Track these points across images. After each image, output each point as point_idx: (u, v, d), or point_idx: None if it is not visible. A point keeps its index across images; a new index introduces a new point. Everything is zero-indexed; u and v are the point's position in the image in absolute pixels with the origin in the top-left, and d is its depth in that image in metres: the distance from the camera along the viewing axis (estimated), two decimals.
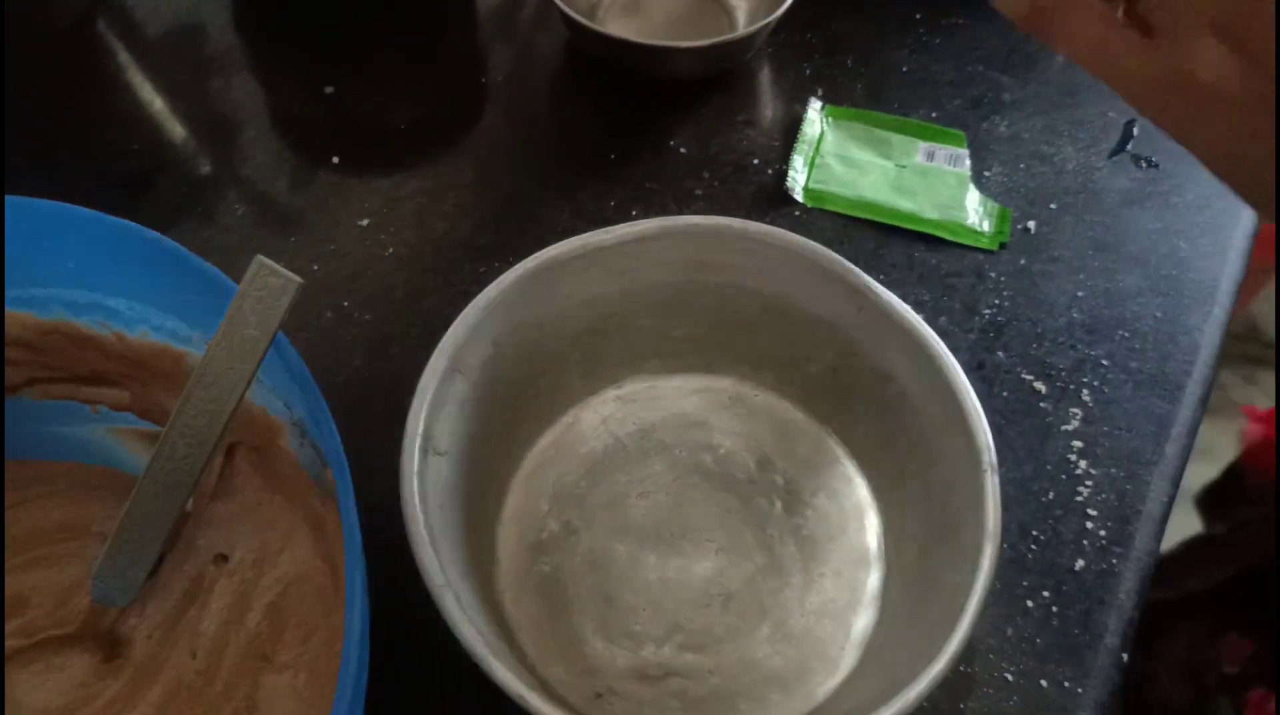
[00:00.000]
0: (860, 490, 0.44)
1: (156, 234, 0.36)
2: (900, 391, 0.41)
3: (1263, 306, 1.24)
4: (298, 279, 0.32)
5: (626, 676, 0.40)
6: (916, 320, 0.39)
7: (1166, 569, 0.54)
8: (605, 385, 0.46)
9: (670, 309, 0.44)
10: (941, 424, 0.39)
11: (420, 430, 0.36)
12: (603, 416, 0.46)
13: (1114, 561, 0.43)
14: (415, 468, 0.36)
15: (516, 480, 0.44)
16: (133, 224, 0.36)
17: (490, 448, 0.42)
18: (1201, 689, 0.47)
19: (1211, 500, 0.80)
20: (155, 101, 0.59)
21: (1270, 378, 1.16)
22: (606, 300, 0.43)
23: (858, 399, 0.43)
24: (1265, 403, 1.05)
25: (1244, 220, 0.54)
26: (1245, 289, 0.53)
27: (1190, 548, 0.54)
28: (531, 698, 0.32)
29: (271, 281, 0.32)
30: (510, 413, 0.43)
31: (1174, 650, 0.49)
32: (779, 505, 0.44)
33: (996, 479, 0.36)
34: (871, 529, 0.43)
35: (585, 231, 0.41)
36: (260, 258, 0.32)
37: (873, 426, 0.43)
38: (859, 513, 0.44)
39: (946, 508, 0.39)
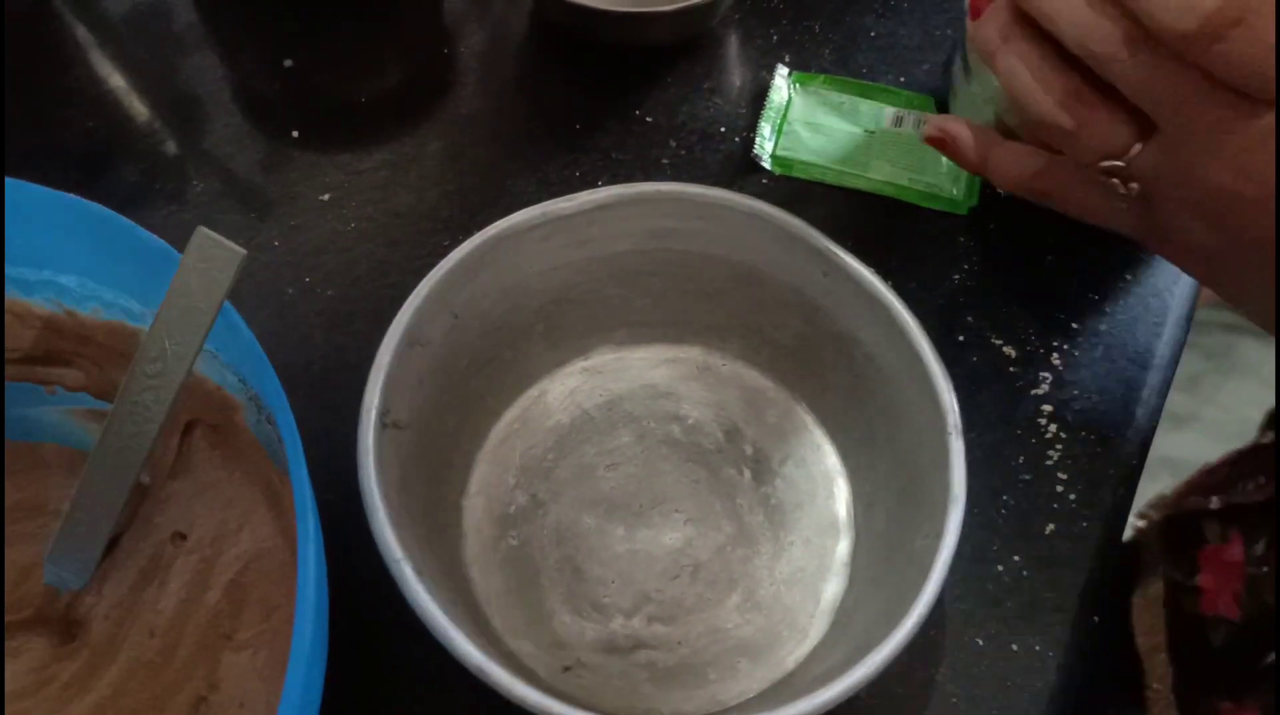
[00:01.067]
0: (829, 458, 0.44)
1: (107, 209, 0.35)
2: (867, 356, 0.41)
3: None
4: (241, 250, 0.32)
5: (595, 649, 0.40)
6: (880, 284, 0.39)
7: (1215, 479, 0.53)
8: (572, 357, 0.46)
9: (635, 278, 0.44)
10: (907, 388, 0.39)
11: (377, 402, 0.36)
12: (569, 388, 0.45)
13: (1084, 525, 0.43)
14: (371, 441, 0.35)
15: (483, 453, 0.44)
16: (82, 199, 0.35)
17: (455, 421, 0.42)
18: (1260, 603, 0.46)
19: None
20: (114, 79, 0.58)
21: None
22: (570, 269, 0.43)
23: (825, 366, 0.43)
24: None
25: None
26: None
27: (1241, 457, 0.53)
28: (491, 669, 0.31)
29: (215, 253, 0.31)
30: (474, 385, 0.42)
31: (1228, 558, 0.48)
32: (748, 474, 0.43)
33: (961, 442, 0.36)
34: (841, 496, 0.43)
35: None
36: (202, 229, 0.32)
37: (841, 393, 0.43)
38: (828, 480, 0.43)
39: (914, 473, 0.38)
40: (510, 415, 0.45)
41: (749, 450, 0.44)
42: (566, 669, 0.39)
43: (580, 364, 0.46)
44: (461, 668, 0.38)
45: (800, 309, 0.42)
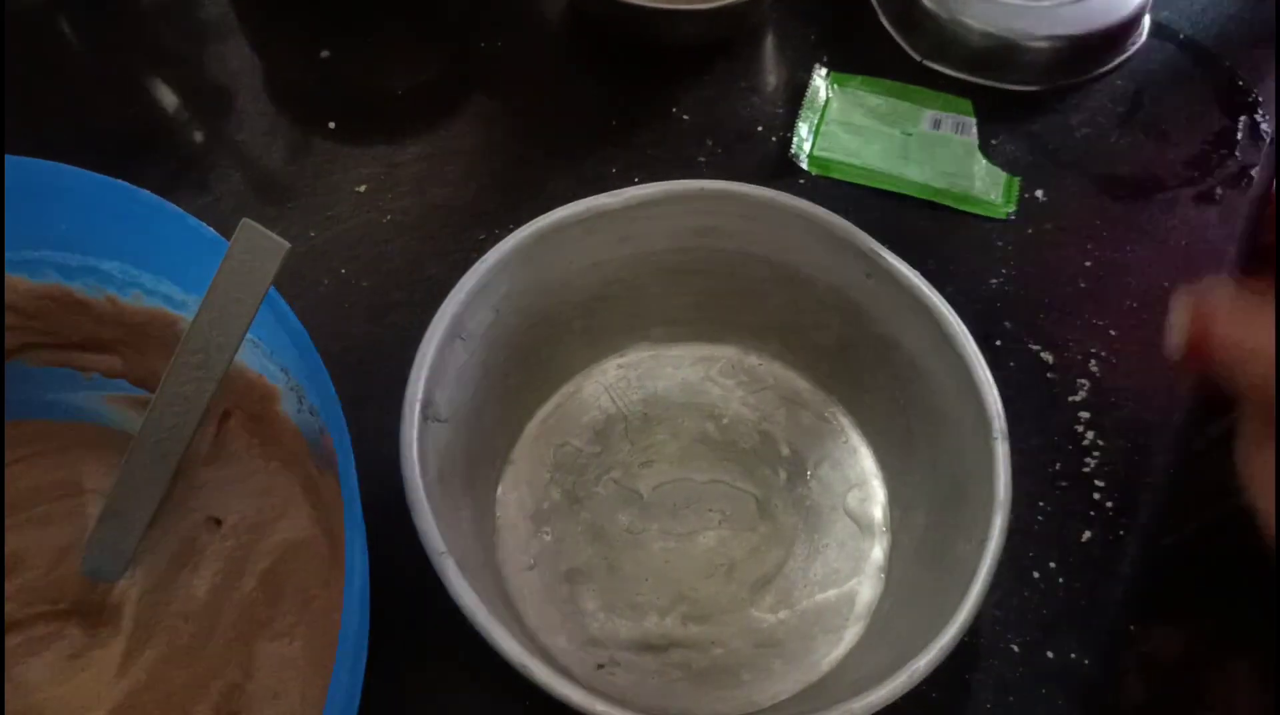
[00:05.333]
0: (866, 460, 0.44)
1: (152, 194, 0.35)
2: (908, 360, 0.40)
3: None
4: (285, 243, 0.32)
5: (629, 647, 0.39)
6: (926, 287, 0.39)
7: None
8: (609, 353, 0.46)
9: (675, 275, 0.43)
10: (950, 392, 0.38)
11: (420, 396, 0.36)
12: (606, 384, 0.45)
13: (1121, 532, 0.43)
14: (415, 434, 0.35)
15: (518, 449, 0.44)
16: (127, 184, 0.35)
17: (492, 415, 0.41)
18: None
19: None
20: (149, 68, 0.58)
21: None
22: (611, 266, 0.42)
23: (865, 368, 0.43)
24: None
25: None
26: None
27: None
28: (535, 666, 0.31)
29: (259, 245, 0.31)
30: (512, 380, 0.42)
31: None
32: (783, 475, 0.43)
33: (1007, 446, 0.36)
34: (877, 500, 0.43)
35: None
36: (247, 221, 0.31)
37: (880, 396, 0.43)
38: (864, 483, 0.43)
39: (955, 478, 0.38)
40: (545, 410, 0.45)
41: (785, 451, 0.44)
42: (600, 666, 0.39)
43: (617, 361, 0.45)
44: (498, 662, 0.38)
45: (841, 311, 0.42)
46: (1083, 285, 0.49)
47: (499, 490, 0.43)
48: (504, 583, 0.40)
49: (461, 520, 0.37)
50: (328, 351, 0.32)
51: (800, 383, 0.45)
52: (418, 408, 0.36)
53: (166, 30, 0.59)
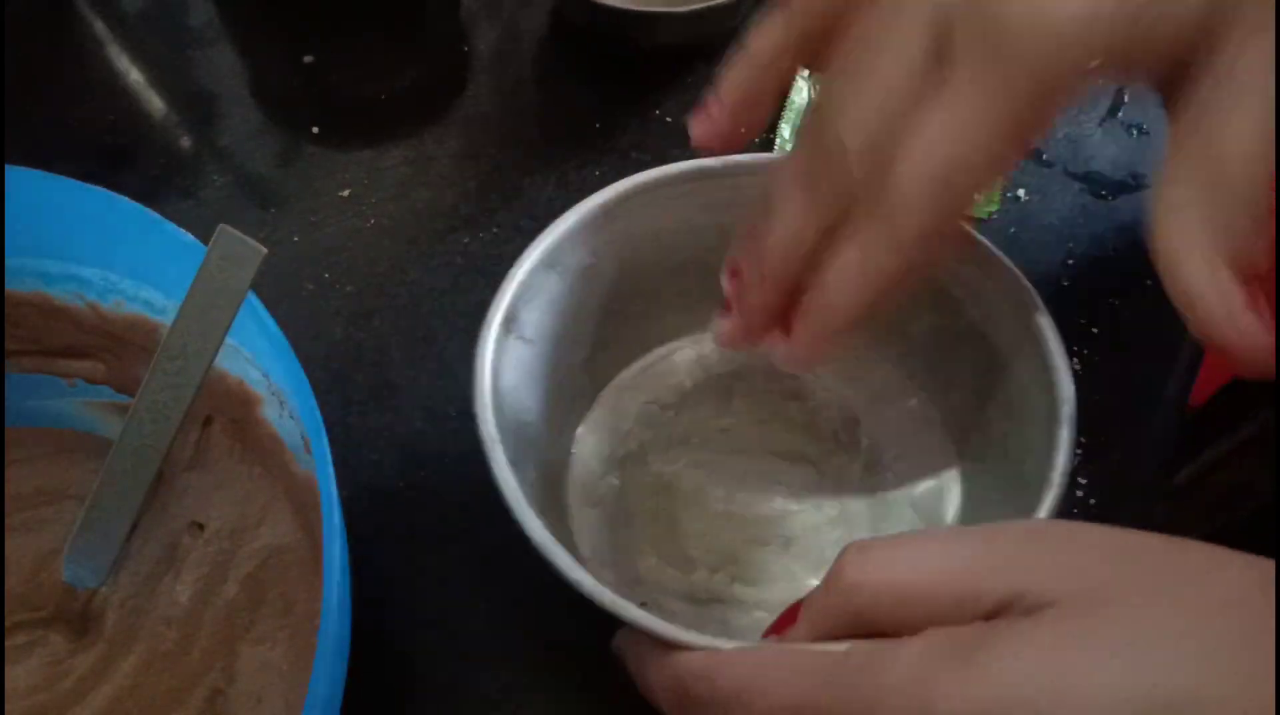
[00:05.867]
0: (946, 460, 0.43)
1: (132, 202, 0.35)
2: (994, 351, 0.40)
3: None
4: (262, 248, 0.32)
5: (674, 594, 0.40)
6: (1017, 270, 0.38)
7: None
8: (703, 323, 0.45)
9: None
10: (1030, 385, 0.37)
11: (504, 307, 0.36)
12: (698, 354, 0.45)
13: None
14: (493, 341, 0.35)
15: (604, 395, 0.44)
16: (106, 191, 0.35)
17: (580, 356, 0.42)
18: None
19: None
20: (132, 74, 0.58)
21: None
22: (711, 233, 0.42)
23: (954, 361, 0.42)
24: None
25: None
26: None
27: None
28: (585, 580, 0.31)
29: (237, 251, 0.31)
30: (605, 330, 0.42)
31: None
32: (859, 465, 0.43)
33: (1071, 431, 0.35)
34: (951, 500, 0.42)
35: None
36: (224, 227, 0.32)
37: (966, 391, 0.42)
38: (941, 482, 0.42)
39: (1023, 475, 0.37)
40: (636, 366, 0.45)
41: (864, 441, 0.43)
42: (643, 604, 0.39)
43: (710, 333, 0.45)
44: (482, 664, 0.38)
45: (936, 301, 0.41)
46: (1065, 283, 0.50)
47: (579, 430, 0.43)
48: (566, 513, 0.41)
49: (526, 431, 0.37)
50: (310, 356, 0.32)
51: (892, 374, 0.44)
52: (500, 317, 0.36)
53: (152, 36, 0.59)
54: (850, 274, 0.31)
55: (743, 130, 0.35)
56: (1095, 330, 0.48)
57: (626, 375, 0.45)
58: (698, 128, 0.36)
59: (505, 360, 0.36)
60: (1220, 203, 0.27)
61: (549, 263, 0.38)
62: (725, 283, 0.36)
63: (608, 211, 0.39)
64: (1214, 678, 0.20)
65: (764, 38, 0.34)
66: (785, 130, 0.53)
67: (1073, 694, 0.21)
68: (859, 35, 0.31)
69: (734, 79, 0.35)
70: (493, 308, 0.36)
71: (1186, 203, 0.28)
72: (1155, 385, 0.47)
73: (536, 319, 0.38)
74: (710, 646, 0.29)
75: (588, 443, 0.43)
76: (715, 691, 0.27)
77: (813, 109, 0.33)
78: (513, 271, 0.37)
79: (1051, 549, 0.24)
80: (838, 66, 0.32)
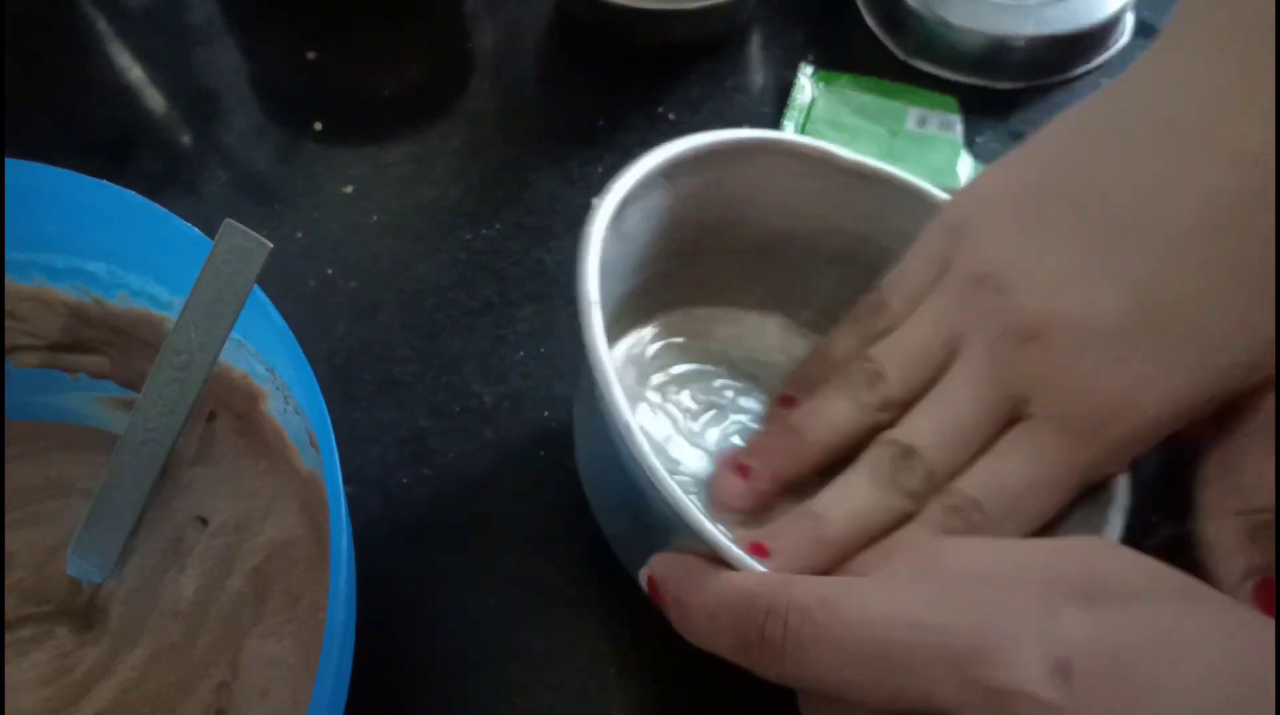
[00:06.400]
0: None
1: (137, 195, 0.35)
2: None
3: None
4: (267, 243, 0.32)
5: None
6: None
7: None
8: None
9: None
10: None
11: (618, 201, 0.35)
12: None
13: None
14: (603, 231, 0.34)
15: (668, 322, 0.44)
16: (112, 185, 0.35)
17: (662, 271, 0.41)
18: None
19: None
20: (134, 71, 0.58)
21: None
22: (793, 215, 0.42)
23: None
24: None
25: None
26: None
27: None
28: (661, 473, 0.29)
29: (242, 245, 0.31)
30: (694, 269, 0.42)
31: None
32: None
33: None
34: None
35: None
36: (229, 221, 0.32)
37: None
38: None
39: None
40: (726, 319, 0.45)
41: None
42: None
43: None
44: (485, 659, 0.38)
45: None
46: None
47: (636, 332, 0.43)
48: None
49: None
50: (314, 352, 0.32)
51: None
52: (614, 207, 0.35)
53: (154, 34, 0.59)
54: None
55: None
56: None
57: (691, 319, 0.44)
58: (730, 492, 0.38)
59: (608, 256, 0.35)
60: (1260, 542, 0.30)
61: (663, 172, 0.37)
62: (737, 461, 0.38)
63: (708, 154, 0.39)
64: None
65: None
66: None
67: (1183, 660, 0.23)
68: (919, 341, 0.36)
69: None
70: (609, 193, 0.35)
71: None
72: None
73: (637, 221, 0.38)
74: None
75: (643, 341, 0.43)
76: (792, 602, 0.26)
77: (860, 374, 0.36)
78: (626, 173, 0.36)
79: None
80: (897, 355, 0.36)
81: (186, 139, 0.55)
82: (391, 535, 0.42)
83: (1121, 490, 0.34)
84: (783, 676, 0.27)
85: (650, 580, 0.31)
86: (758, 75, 0.57)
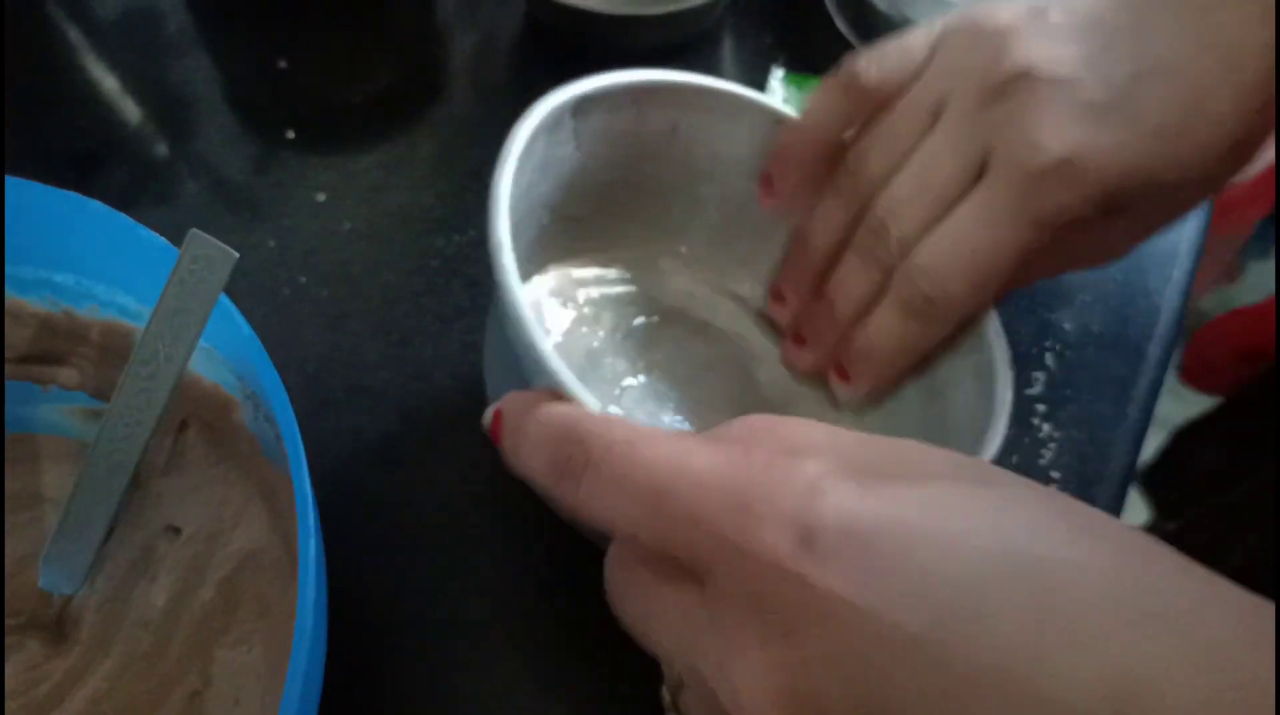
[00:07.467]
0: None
1: (105, 206, 0.35)
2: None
3: None
4: (233, 252, 0.32)
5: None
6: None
7: None
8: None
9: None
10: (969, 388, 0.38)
11: (556, 106, 0.39)
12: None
13: None
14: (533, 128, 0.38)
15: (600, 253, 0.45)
16: (78, 195, 0.35)
17: (583, 211, 0.43)
18: None
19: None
20: (107, 82, 0.58)
21: None
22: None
23: None
24: None
25: None
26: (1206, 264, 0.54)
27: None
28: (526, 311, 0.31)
29: (208, 255, 0.32)
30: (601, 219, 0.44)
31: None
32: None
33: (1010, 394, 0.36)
34: None
35: None
36: (195, 231, 0.32)
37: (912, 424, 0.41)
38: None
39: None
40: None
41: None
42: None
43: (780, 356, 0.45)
44: (461, 665, 0.38)
45: None
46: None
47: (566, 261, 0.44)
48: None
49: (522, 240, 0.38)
50: (286, 360, 0.32)
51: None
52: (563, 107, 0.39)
53: (125, 44, 0.59)
54: (890, 334, 0.37)
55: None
56: (1067, 327, 0.49)
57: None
58: (767, 202, 0.42)
59: (533, 156, 0.38)
60: None
61: (570, 109, 0.40)
62: (770, 308, 0.43)
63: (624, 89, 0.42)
64: (1075, 552, 0.22)
65: (817, 107, 0.41)
66: None
67: (944, 533, 0.22)
68: (905, 121, 0.38)
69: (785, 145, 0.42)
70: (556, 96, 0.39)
71: None
72: (1128, 381, 0.48)
73: (587, 139, 0.40)
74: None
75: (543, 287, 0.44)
76: (604, 436, 0.27)
77: (849, 171, 0.39)
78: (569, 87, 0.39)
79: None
80: (883, 143, 0.38)
81: (159, 149, 0.55)
82: (363, 541, 0.42)
83: (992, 323, 0.37)
84: (576, 505, 0.27)
85: (495, 413, 0.31)
86: (729, 79, 0.57)
